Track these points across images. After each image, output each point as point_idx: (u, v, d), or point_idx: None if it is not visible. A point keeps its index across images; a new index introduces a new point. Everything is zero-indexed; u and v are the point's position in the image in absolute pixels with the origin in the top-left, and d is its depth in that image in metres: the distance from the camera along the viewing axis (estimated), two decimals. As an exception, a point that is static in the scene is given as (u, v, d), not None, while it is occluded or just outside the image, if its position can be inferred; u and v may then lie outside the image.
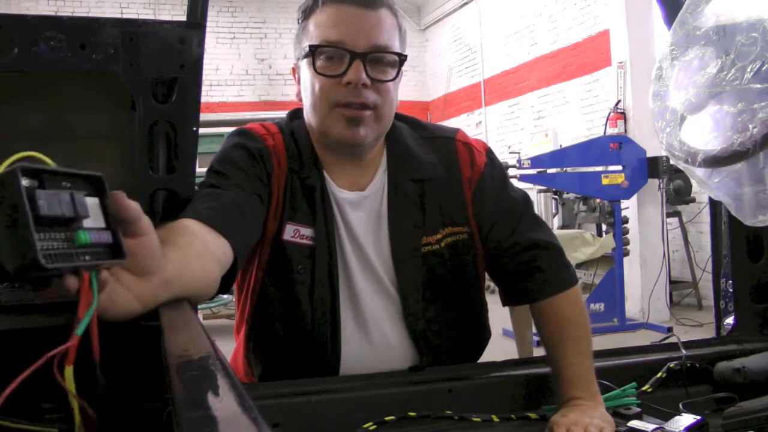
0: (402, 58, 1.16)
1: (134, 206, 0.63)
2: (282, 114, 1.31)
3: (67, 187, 0.57)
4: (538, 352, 4.84)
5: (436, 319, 1.23)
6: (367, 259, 1.21)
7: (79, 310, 0.58)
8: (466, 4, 10.34)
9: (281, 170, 1.19)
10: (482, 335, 1.35)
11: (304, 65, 1.17)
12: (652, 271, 5.74)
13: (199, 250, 0.88)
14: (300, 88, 1.21)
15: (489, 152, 1.29)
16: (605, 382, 1.08)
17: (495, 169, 1.28)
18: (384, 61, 1.14)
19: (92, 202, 0.59)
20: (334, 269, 1.19)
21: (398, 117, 1.29)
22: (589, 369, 1.10)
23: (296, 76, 1.22)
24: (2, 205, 0.53)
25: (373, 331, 1.21)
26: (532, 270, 1.19)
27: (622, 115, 6.03)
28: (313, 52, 1.13)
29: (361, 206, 1.21)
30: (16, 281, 0.55)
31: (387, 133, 1.24)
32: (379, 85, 1.13)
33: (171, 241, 0.85)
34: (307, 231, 1.18)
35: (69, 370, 0.59)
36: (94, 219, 0.58)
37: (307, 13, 1.17)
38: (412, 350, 1.22)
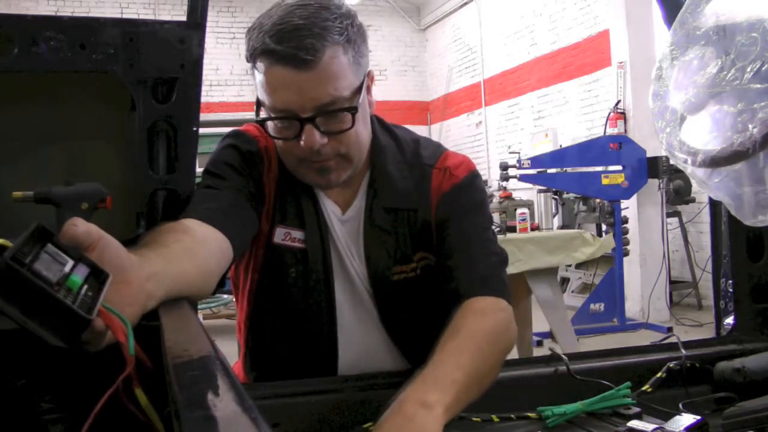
0: (353, 111, 1.08)
1: (83, 229, 0.63)
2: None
3: (34, 249, 0.58)
4: (538, 352, 4.82)
5: (421, 332, 1.22)
6: (354, 266, 1.21)
7: (118, 338, 0.60)
8: (466, 4, 10.34)
9: (272, 173, 1.18)
10: None
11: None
12: (652, 271, 5.74)
13: (188, 245, 0.89)
14: None
15: (469, 176, 1.23)
16: (604, 381, 1.08)
17: (468, 189, 1.22)
18: (336, 113, 1.07)
19: (51, 249, 0.60)
20: (329, 271, 1.18)
21: (390, 132, 1.26)
22: (454, 381, 0.92)
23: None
24: (10, 300, 0.54)
25: (371, 331, 1.22)
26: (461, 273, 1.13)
27: (622, 115, 6.03)
28: (263, 123, 1.10)
29: (345, 223, 1.21)
30: (72, 348, 0.57)
31: (373, 154, 1.21)
32: (338, 135, 1.09)
33: (155, 240, 0.86)
34: (297, 234, 1.18)
35: (139, 391, 0.62)
36: (63, 261, 0.60)
37: (250, 59, 1.08)
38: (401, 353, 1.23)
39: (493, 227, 1.29)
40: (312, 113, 1.05)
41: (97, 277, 0.62)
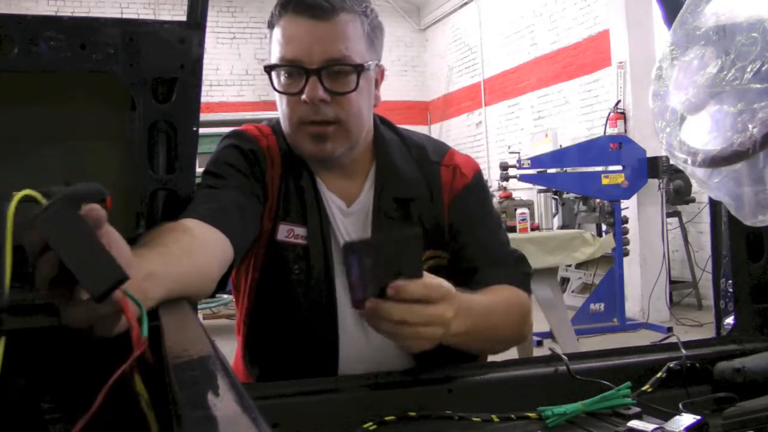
0: (359, 69, 1.11)
1: (102, 213, 0.63)
2: (281, 114, 1.31)
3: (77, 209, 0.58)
4: (538, 352, 4.83)
5: None
6: None
7: (128, 315, 0.59)
8: (466, 4, 10.34)
9: (274, 171, 1.19)
10: None
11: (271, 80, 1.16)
12: (652, 271, 5.74)
13: (187, 245, 0.88)
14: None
15: (477, 175, 1.28)
16: (604, 381, 1.08)
17: (476, 190, 1.26)
18: (342, 72, 1.11)
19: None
20: (330, 268, 1.19)
21: (391, 128, 1.29)
22: (480, 303, 1.05)
23: None
24: (66, 240, 0.55)
25: (372, 331, 1.21)
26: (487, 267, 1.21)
27: (622, 115, 6.03)
28: (270, 71, 1.13)
29: (350, 216, 1.21)
30: (99, 301, 0.57)
31: (377, 147, 1.23)
32: (340, 98, 1.11)
33: (155, 240, 0.85)
34: (300, 230, 1.18)
35: (138, 379, 0.61)
36: None
37: (271, 24, 1.15)
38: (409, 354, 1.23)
39: (503, 225, 1.33)
40: (319, 65, 1.09)
41: None
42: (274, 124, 1.25)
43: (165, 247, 0.83)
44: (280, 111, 1.16)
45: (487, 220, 1.25)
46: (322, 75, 1.09)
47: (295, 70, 1.11)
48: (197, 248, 0.91)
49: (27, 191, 0.58)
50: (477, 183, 1.26)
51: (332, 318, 1.19)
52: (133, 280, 0.67)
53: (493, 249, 1.23)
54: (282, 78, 1.13)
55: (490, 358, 1.29)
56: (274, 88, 1.14)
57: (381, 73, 1.21)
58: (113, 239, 0.65)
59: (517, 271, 1.22)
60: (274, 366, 1.26)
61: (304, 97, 1.09)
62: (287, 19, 1.11)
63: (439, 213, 1.23)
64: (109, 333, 0.61)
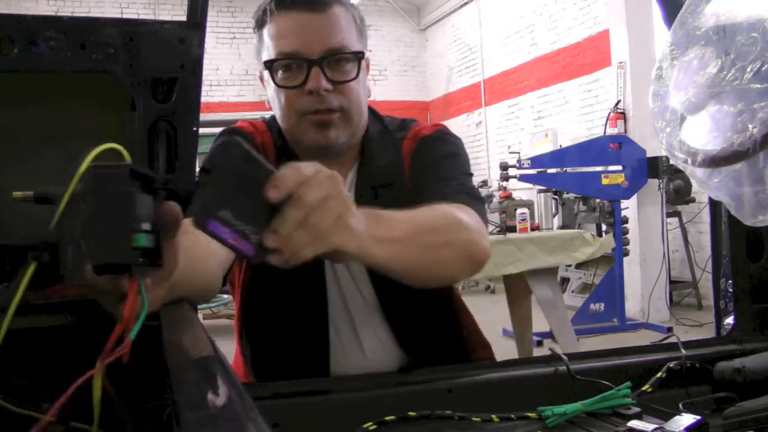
0: (360, 56, 1.14)
1: (180, 211, 0.62)
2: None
3: (137, 186, 0.56)
4: (538, 352, 4.83)
5: (415, 316, 1.23)
6: None
7: (125, 312, 0.56)
8: (466, 4, 10.35)
9: None
10: (465, 332, 1.35)
11: (267, 77, 1.16)
12: (652, 271, 5.74)
13: (201, 251, 0.88)
14: (268, 96, 1.20)
15: (438, 131, 1.26)
16: (604, 381, 1.08)
17: (432, 141, 1.23)
18: (342, 61, 1.13)
19: (147, 200, 0.57)
20: (321, 261, 1.18)
21: (380, 120, 1.29)
22: (397, 213, 0.89)
23: (264, 83, 1.21)
24: (102, 198, 0.53)
25: (362, 327, 1.22)
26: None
27: (622, 115, 6.03)
28: (270, 66, 1.13)
29: None
30: (96, 272, 0.53)
31: (364, 139, 1.23)
32: (342, 87, 1.12)
33: None
34: None
35: (98, 379, 0.58)
36: (146, 218, 0.57)
37: (260, 23, 1.16)
38: (400, 349, 1.23)
39: (473, 183, 1.24)
40: (320, 55, 1.10)
41: (151, 256, 0.58)
42: (269, 121, 1.25)
43: (185, 252, 0.82)
44: (278, 106, 1.16)
45: (440, 165, 1.19)
46: (323, 65, 1.10)
47: (294, 62, 1.11)
48: (201, 249, 0.91)
49: (112, 144, 0.56)
50: (436, 137, 1.24)
51: (323, 311, 1.20)
52: (161, 289, 0.64)
53: (442, 187, 1.14)
54: (279, 73, 1.13)
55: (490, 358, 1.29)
56: (275, 83, 1.14)
57: (368, 64, 1.22)
58: (175, 244, 0.63)
59: (460, 196, 1.11)
60: (267, 362, 1.26)
61: (308, 87, 1.10)
62: (282, 14, 1.12)
63: (406, 186, 1.20)
64: (111, 309, 0.59)
